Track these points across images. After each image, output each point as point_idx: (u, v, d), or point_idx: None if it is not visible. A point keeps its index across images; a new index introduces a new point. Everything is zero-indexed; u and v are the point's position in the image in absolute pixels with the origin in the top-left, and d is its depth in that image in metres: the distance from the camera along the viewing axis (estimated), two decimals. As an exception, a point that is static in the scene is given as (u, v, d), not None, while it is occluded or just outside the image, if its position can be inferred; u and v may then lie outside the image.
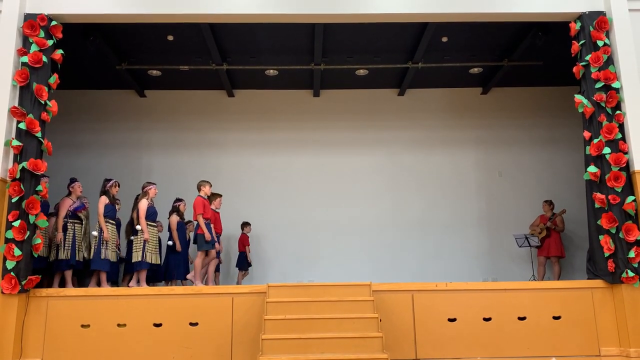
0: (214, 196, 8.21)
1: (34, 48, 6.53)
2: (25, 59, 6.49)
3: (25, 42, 6.60)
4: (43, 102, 6.46)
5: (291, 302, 6.00)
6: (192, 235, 8.91)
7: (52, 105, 6.56)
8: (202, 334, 6.17)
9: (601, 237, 6.45)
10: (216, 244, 7.76)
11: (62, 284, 7.27)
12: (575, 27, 7.01)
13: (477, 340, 6.26)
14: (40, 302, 6.17)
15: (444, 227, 10.24)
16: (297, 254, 10.09)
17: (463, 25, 8.20)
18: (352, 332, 5.54)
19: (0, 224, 6.10)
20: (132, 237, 7.65)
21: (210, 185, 7.89)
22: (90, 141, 10.39)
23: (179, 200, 8.51)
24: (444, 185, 10.46)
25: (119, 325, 6.17)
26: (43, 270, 7.31)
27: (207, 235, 7.40)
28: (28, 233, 6.06)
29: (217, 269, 8.89)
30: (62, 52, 6.79)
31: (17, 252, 5.96)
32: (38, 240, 6.21)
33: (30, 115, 6.33)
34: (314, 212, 10.22)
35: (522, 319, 6.36)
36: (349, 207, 10.31)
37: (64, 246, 7.08)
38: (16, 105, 6.39)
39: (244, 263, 9.47)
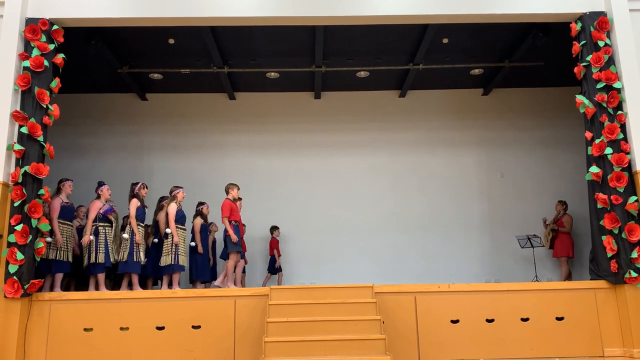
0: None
1: (35, 52, 6.54)
2: (26, 63, 6.50)
3: (27, 47, 6.61)
4: (45, 106, 6.47)
5: (293, 304, 6.00)
6: (216, 236, 9.04)
7: (54, 109, 6.57)
8: (204, 337, 6.17)
9: (604, 238, 6.44)
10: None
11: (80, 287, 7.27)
12: (576, 27, 7.01)
13: (480, 341, 6.25)
14: (42, 306, 6.17)
15: (446, 228, 10.23)
16: (298, 256, 10.09)
17: (464, 27, 8.20)
18: (355, 334, 5.53)
19: (3, 227, 6.10)
20: (154, 240, 7.65)
21: (238, 188, 7.92)
22: (91, 144, 10.41)
23: (201, 203, 8.55)
24: (446, 187, 10.45)
25: (121, 328, 6.17)
26: (69, 274, 7.42)
27: (234, 237, 7.46)
28: (30, 237, 6.07)
29: (243, 271, 9.00)
30: (64, 56, 6.81)
31: (20, 256, 5.96)
32: (40, 244, 6.21)
33: (32, 120, 6.34)
34: (315, 214, 10.22)
35: (525, 320, 6.34)
36: (351, 209, 10.31)
37: (97, 249, 7.06)
38: (18, 109, 6.40)
39: (272, 267, 9.62)
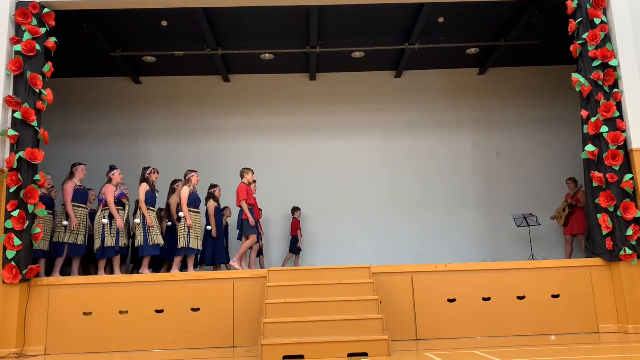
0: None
1: (27, 36, 6.46)
2: (18, 47, 6.43)
3: (18, 31, 6.53)
4: (38, 91, 6.41)
5: (292, 285, 6.04)
6: (229, 221, 9.05)
7: (47, 94, 6.51)
8: (204, 320, 6.22)
9: (599, 216, 6.48)
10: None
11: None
12: (572, 5, 6.95)
13: (477, 320, 6.32)
14: (41, 291, 6.20)
15: (442, 208, 10.27)
16: (286, 239, 10.15)
17: (459, 5, 8.13)
18: (353, 314, 5.58)
19: (0, 214, 6.10)
20: (168, 224, 7.67)
21: (253, 173, 7.94)
22: (86, 129, 10.36)
23: (213, 186, 8.53)
24: (442, 167, 10.47)
25: (121, 312, 6.21)
26: (83, 257, 7.46)
27: (252, 221, 7.50)
28: (27, 223, 6.07)
29: (260, 253, 9.08)
30: (56, 40, 6.73)
31: (17, 241, 5.96)
32: (37, 230, 6.21)
33: (26, 105, 6.29)
34: (311, 195, 10.23)
35: (521, 298, 6.41)
36: (346, 191, 10.32)
37: (110, 233, 7.08)
38: (11, 94, 6.35)
39: (295, 247, 9.73)
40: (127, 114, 10.50)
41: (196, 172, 7.78)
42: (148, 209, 7.27)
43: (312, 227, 10.18)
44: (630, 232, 6.25)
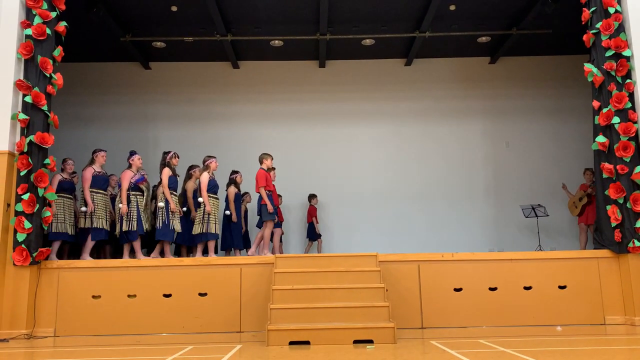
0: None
1: (37, 20, 6.47)
2: (29, 31, 6.44)
3: (29, 14, 6.54)
4: (48, 75, 6.43)
5: (298, 272, 6.06)
6: (248, 206, 9.08)
7: (58, 78, 6.53)
8: (211, 304, 6.27)
9: (608, 207, 6.44)
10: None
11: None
12: (586, -7, 6.87)
13: (483, 309, 6.33)
14: (51, 274, 6.27)
15: (451, 197, 10.25)
16: (298, 224, 10.16)
17: (471, -7, 8.04)
18: (359, 301, 5.60)
19: (10, 197, 6.16)
20: (184, 209, 7.74)
21: (272, 158, 7.91)
22: (96, 114, 10.40)
23: (235, 172, 8.56)
24: (452, 156, 10.43)
25: (129, 296, 6.28)
26: (104, 242, 7.59)
27: (270, 207, 7.51)
28: (37, 206, 6.12)
29: (280, 240, 9.13)
30: (66, 24, 6.74)
31: (27, 224, 6.02)
32: (47, 213, 6.27)
33: (36, 89, 6.32)
34: (320, 182, 10.23)
35: (527, 288, 6.41)
36: (355, 178, 10.33)
37: (131, 217, 7.13)
38: (21, 78, 6.37)
39: (313, 234, 9.74)
40: (136, 99, 10.53)
41: (215, 157, 7.77)
42: (171, 194, 7.30)
43: (321, 213, 10.18)
44: (639, 224, 6.21)
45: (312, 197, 9.93)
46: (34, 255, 6.05)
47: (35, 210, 6.09)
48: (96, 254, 7.60)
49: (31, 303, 6.07)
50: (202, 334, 6.11)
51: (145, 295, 6.28)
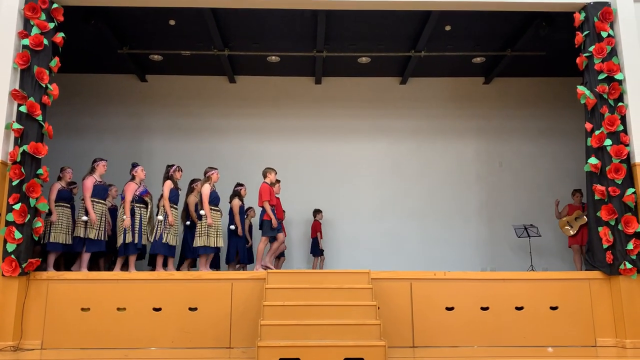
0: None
1: (35, 31, 6.49)
2: (26, 41, 6.45)
3: (27, 25, 6.55)
4: (44, 85, 6.43)
5: (290, 288, 6.03)
6: (253, 220, 9.04)
7: (53, 88, 6.53)
8: (201, 319, 6.21)
9: (600, 229, 6.47)
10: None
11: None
12: (580, 17, 6.97)
13: (475, 329, 6.30)
14: (40, 285, 6.20)
15: (444, 216, 10.26)
16: (301, 242, 10.13)
17: (467, 14, 8.14)
18: (351, 319, 5.57)
19: (1, 206, 6.11)
20: (186, 223, 7.69)
21: (276, 173, 7.88)
22: (91, 125, 10.38)
23: (239, 185, 8.52)
24: (445, 175, 10.47)
25: (118, 309, 6.21)
26: (102, 253, 7.50)
27: (275, 222, 7.45)
28: (29, 216, 6.08)
29: (282, 255, 9.08)
30: (63, 35, 6.76)
31: (18, 235, 5.97)
32: (38, 224, 6.22)
33: (31, 99, 6.31)
34: (315, 199, 10.22)
35: (519, 308, 6.39)
36: (349, 195, 10.33)
37: (132, 230, 7.05)
38: (17, 88, 6.37)
39: (316, 249, 9.67)
40: (132, 112, 10.52)
41: (216, 169, 7.71)
42: (171, 207, 7.27)
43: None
44: (630, 246, 6.24)
45: (317, 212, 9.88)
46: (24, 266, 5.99)
47: (26, 221, 6.05)
48: (89, 265, 7.53)
49: (19, 314, 5.99)
50: (191, 349, 6.04)
51: (135, 308, 6.21)
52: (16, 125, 6.23)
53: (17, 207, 6.02)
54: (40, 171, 6.28)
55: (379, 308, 5.91)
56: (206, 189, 7.41)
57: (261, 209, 7.57)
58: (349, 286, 6.07)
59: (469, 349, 6.07)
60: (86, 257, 7.05)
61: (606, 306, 6.38)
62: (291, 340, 5.21)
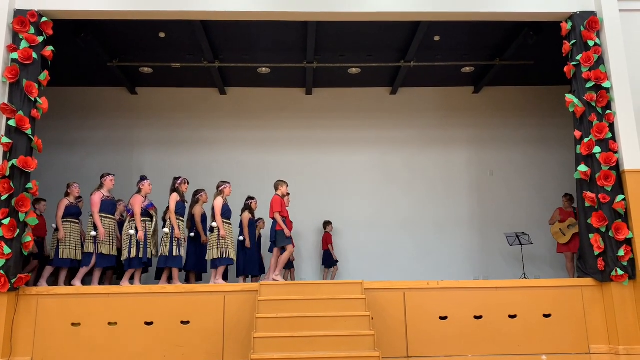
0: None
1: (24, 44, 6.47)
2: (15, 55, 6.43)
3: (15, 39, 6.54)
4: (33, 99, 6.40)
5: (283, 300, 6.00)
6: (262, 232, 9.07)
7: (43, 102, 6.50)
8: (193, 333, 6.16)
9: (591, 236, 6.50)
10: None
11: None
12: (567, 27, 7.05)
13: (469, 338, 6.29)
14: (30, 300, 6.13)
15: (436, 225, 10.27)
16: (302, 253, 10.12)
17: (455, 25, 8.21)
18: (344, 330, 5.54)
19: (-10, 221, 6.05)
20: (191, 235, 7.70)
21: (287, 185, 7.95)
22: (81, 138, 10.32)
23: (250, 198, 8.63)
24: (436, 184, 10.49)
25: (110, 323, 6.14)
26: (112, 268, 7.51)
27: (287, 232, 7.51)
28: (18, 231, 6.02)
29: (291, 266, 9.14)
30: (53, 48, 6.74)
31: (7, 250, 5.91)
32: (28, 239, 6.16)
33: (20, 112, 6.28)
34: (306, 209, 10.20)
35: (512, 317, 6.40)
36: (340, 205, 10.31)
37: (138, 244, 7.03)
38: (6, 102, 6.33)
39: (329, 261, 9.68)
40: (122, 124, 10.48)
41: (229, 183, 7.80)
42: (177, 219, 7.25)
43: (303, 242, 10.12)
44: (621, 252, 6.27)
45: (327, 224, 9.90)
46: (13, 281, 5.91)
47: (15, 236, 5.99)
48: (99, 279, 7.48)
49: (8, 330, 5.92)
50: (183, 363, 5.98)
51: (126, 323, 6.15)
52: (5, 139, 6.19)
53: (6, 221, 5.97)
54: (29, 185, 6.23)
55: (372, 318, 5.89)
56: (218, 202, 7.51)
57: (272, 220, 7.65)
58: (342, 297, 6.05)
59: (464, 358, 6.06)
60: (83, 271, 7.02)
61: (599, 313, 6.40)
62: (285, 352, 5.18)
